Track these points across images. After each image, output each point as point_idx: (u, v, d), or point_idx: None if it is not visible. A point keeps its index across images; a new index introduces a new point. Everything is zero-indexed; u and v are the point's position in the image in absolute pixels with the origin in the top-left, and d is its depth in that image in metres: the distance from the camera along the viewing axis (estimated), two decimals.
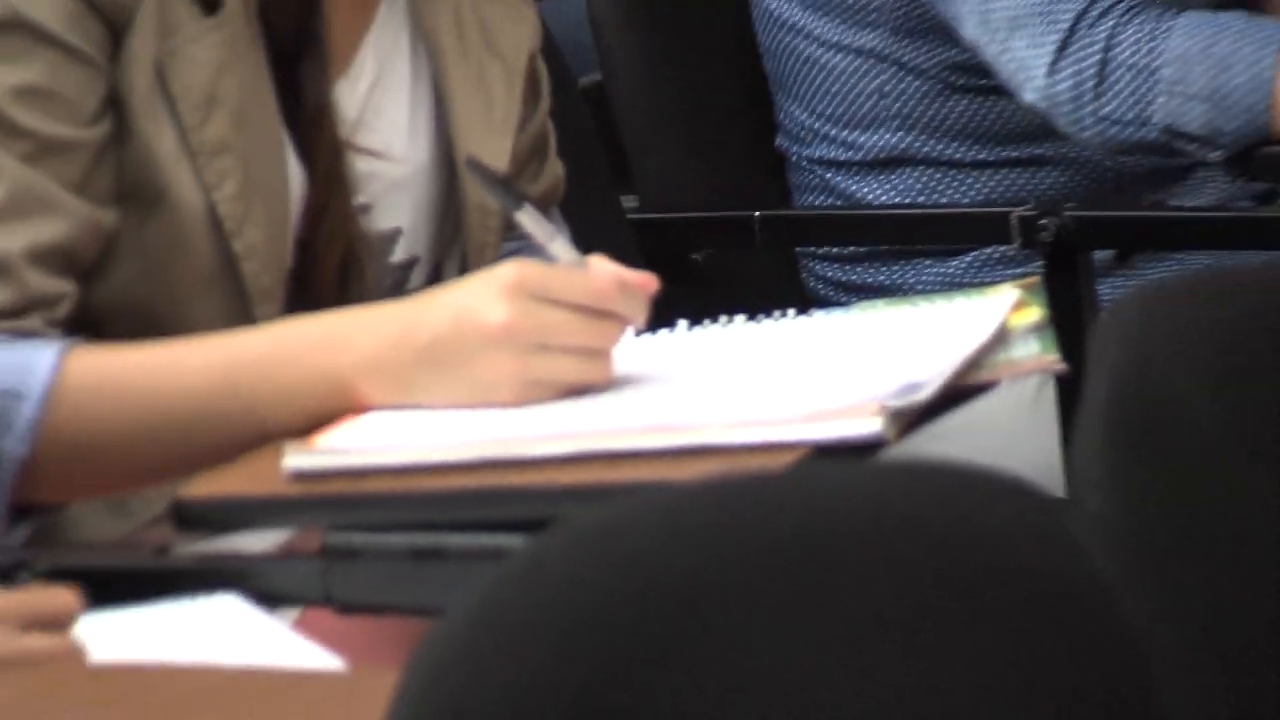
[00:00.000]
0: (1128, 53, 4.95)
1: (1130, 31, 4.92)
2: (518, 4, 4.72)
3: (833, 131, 5.42)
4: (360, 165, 4.42)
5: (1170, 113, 4.95)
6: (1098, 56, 5.00)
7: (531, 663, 2.69)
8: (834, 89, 5.36)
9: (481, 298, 4.04)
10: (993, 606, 2.92)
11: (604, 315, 4.07)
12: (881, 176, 5.32)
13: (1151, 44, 4.93)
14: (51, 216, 4.09)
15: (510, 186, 4.38)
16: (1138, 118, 4.93)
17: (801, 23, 5.36)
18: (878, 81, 5.36)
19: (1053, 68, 4.90)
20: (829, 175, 5.42)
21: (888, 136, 5.37)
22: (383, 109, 4.51)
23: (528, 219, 4.28)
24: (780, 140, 5.65)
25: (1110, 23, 4.95)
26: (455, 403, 4.04)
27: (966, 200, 5.27)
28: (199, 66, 4.17)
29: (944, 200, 5.31)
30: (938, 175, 5.27)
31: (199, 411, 4.07)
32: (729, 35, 5.60)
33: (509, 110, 4.59)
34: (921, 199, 5.35)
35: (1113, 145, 5.08)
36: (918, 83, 5.34)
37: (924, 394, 3.82)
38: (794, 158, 5.55)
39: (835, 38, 5.36)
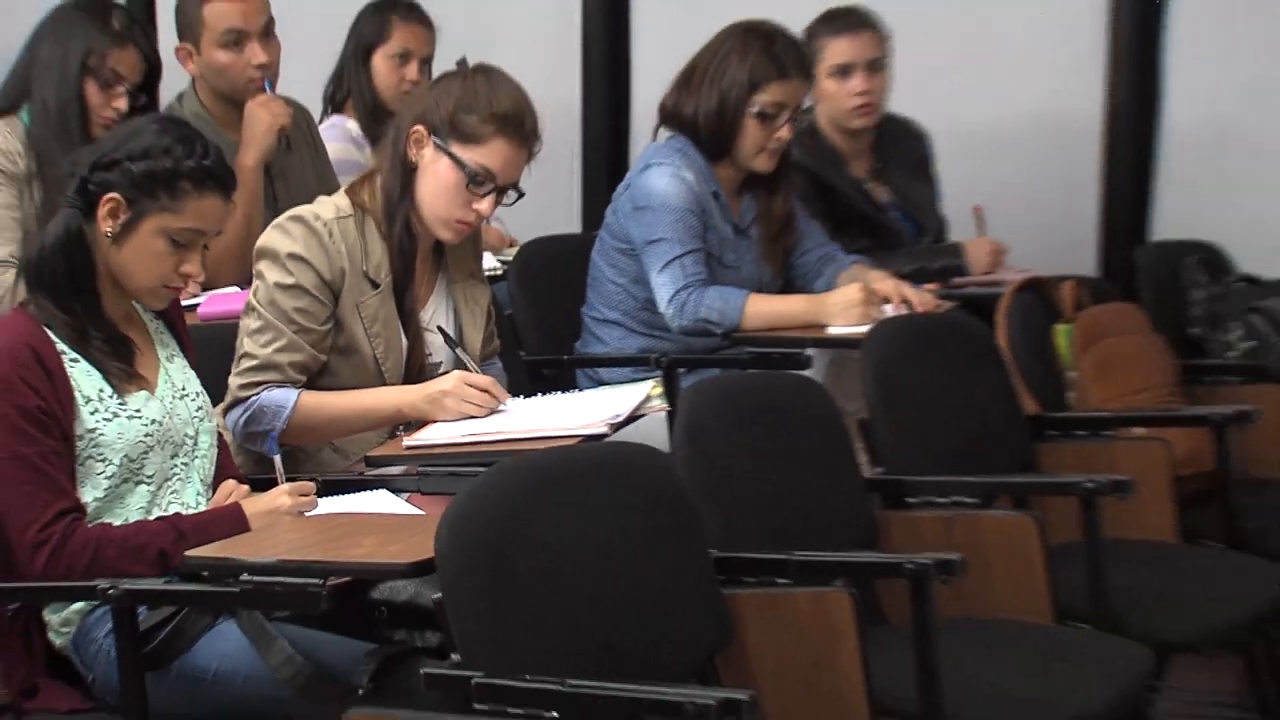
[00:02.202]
0: (692, 301, 4.93)
1: (694, 293, 4.93)
2: (482, 286, 4.53)
3: (599, 305, 5.28)
4: (428, 338, 4.34)
5: (709, 320, 4.92)
6: (681, 303, 4.94)
7: (485, 508, 3.19)
8: (605, 289, 5.24)
9: (447, 381, 4.11)
10: (646, 494, 3.50)
11: (485, 393, 4.08)
12: (607, 327, 5.23)
13: (702, 298, 4.93)
14: (302, 353, 4.11)
15: (464, 350, 4.42)
16: (695, 322, 4.94)
17: (602, 260, 5.21)
18: (619, 289, 5.21)
19: (667, 305, 4.96)
20: (592, 324, 5.31)
21: (614, 313, 5.24)
22: (435, 320, 4.38)
23: (465, 358, 4.35)
24: (584, 308, 5.36)
25: (687, 289, 4.93)
26: (439, 418, 4.10)
27: (639, 344, 5.15)
28: (370, 306, 4.17)
29: (627, 345, 5.22)
30: (623, 332, 5.21)
31: (351, 416, 4.17)
32: (557, 295, 5.38)
33: (480, 323, 4.47)
34: (617, 341, 5.23)
35: (690, 333, 4.98)
36: (631, 298, 5.20)
37: (621, 417, 4.01)
38: (585, 315, 5.33)
39: (612, 275, 5.20)
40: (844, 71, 5.41)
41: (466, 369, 4.25)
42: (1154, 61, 5.85)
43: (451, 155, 4.15)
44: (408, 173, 4.20)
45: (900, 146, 5.61)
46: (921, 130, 5.66)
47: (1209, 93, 5.83)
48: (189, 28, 5.21)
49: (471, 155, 4.15)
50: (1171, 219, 5.79)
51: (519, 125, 4.20)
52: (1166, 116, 5.83)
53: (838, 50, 5.44)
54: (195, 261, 3.66)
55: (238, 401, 4.07)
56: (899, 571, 3.63)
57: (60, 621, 3.59)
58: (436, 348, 4.30)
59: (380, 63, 5.63)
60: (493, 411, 4.10)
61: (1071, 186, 5.92)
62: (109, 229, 3.58)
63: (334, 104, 5.76)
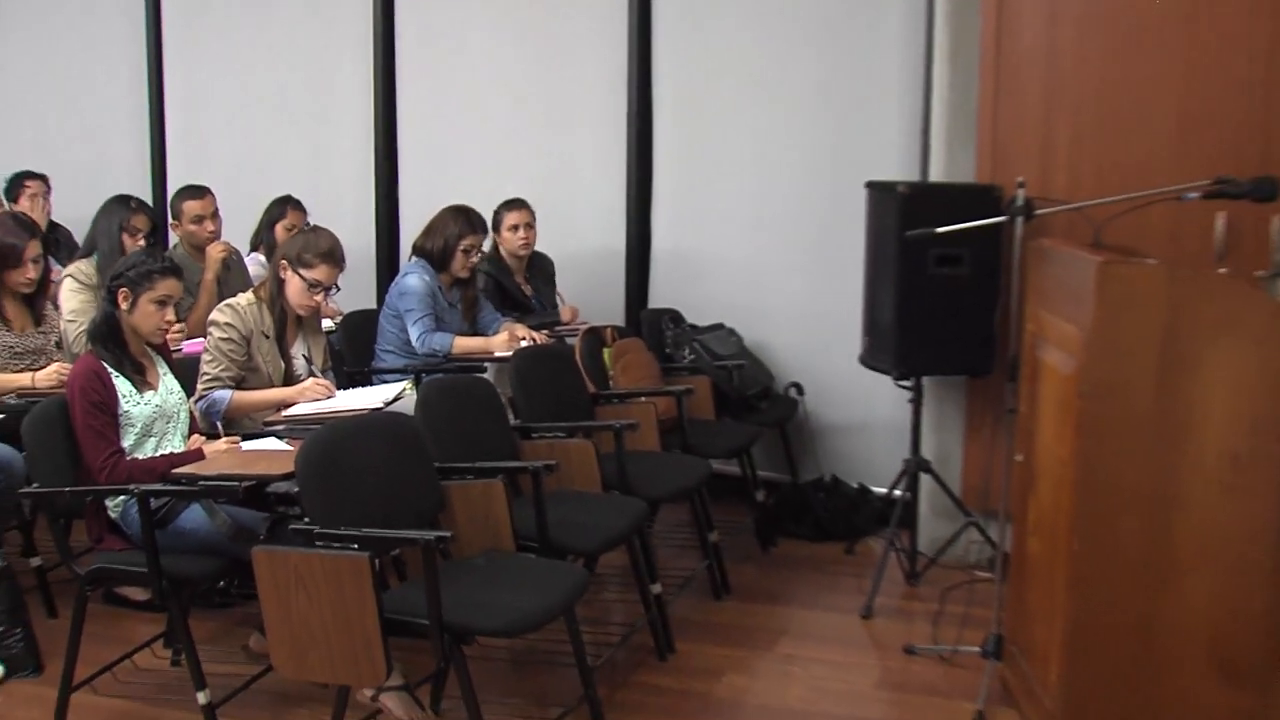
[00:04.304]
0: (428, 341, 4.73)
1: (429, 336, 4.74)
2: (322, 336, 4.27)
3: (384, 342, 4.90)
4: (295, 364, 4.08)
5: (437, 350, 4.75)
6: (423, 341, 4.80)
7: (320, 445, 3.23)
8: (386, 334, 4.88)
9: (307, 383, 4.01)
10: (401, 436, 3.50)
11: (325, 388, 3.99)
12: (387, 354, 4.87)
13: (433, 339, 4.75)
14: (232, 372, 3.93)
15: (315, 367, 4.18)
16: (430, 351, 4.74)
17: (385, 320, 4.90)
18: (393, 334, 4.84)
19: (416, 341, 4.74)
20: (380, 353, 4.88)
21: (390, 347, 4.87)
22: (298, 354, 4.10)
23: (316, 371, 4.15)
24: (376, 345, 4.94)
25: (426, 334, 4.78)
26: (301, 402, 3.93)
27: (402, 362, 4.82)
28: (264, 347, 3.99)
29: (396, 363, 4.85)
30: (395, 357, 4.85)
31: (258, 403, 3.93)
32: (363, 338, 5.08)
33: (321, 355, 4.19)
34: (392, 361, 4.87)
35: (428, 356, 4.75)
36: (399, 339, 4.85)
37: (390, 400, 3.88)
38: (376, 348, 4.91)
39: (389, 327, 4.86)
40: (514, 229, 5.31)
41: (318, 377, 4.14)
42: (648, 209, 5.80)
43: (299, 274, 4.13)
44: (280, 283, 4.16)
45: (539, 267, 5.51)
46: (548, 257, 5.57)
47: (676, 225, 5.78)
48: (176, 214, 5.23)
49: (309, 274, 4.12)
50: (658, 296, 5.77)
51: (333, 256, 4.14)
52: (655, 240, 5.80)
53: (511, 219, 5.33)
54: (171, 313, 3.69)
55: (201, 396, 3.96)
56: (527, 470, 3.67)
57: (114, 505, 3.62)
58: (300, 368, 4.16)
59: (279, 229, 5.52)
60: (327, 398, 4.00)
61: (612, 279, 5.84)
62: (125, 306, 3.68)
63: (254, 247, 5.63)
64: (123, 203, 4.91)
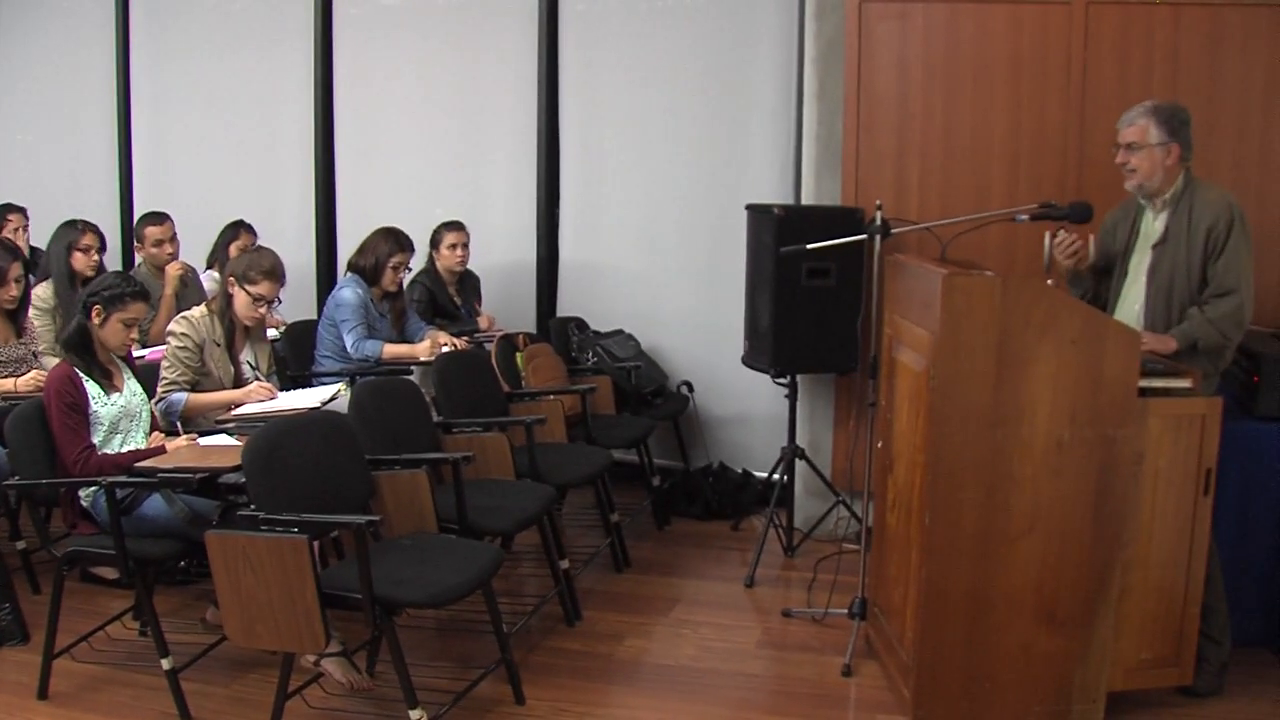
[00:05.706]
0: (360, 347, 4.65)
1: (362, 343, 4.62)
2: (267, 344, 4.18)
3: (322, 348, 4.74)
4: (243, 368, 3.98)
5: (369, 356, 4.65)
6: (357, 348, 4.66)
7: (264, 440, 3.17)
8: (325, 341, 4.73)
9: (253, 385, 3.92)
10: (337, 435, 3.40)
11: (269, 390, 3.88)
12: (325, 359, 4.73)
13: (365, 346, 4.66)
14: (188, 376, 3.82)
15: (259, 371, 4.07)
16: (363, 357, 4.64)
17: (323, 329, 4.77)
18: (331, 341, 4.71)
19: (350, 349, 4.61)
20: (319, 358, 4.76)
21: (329, 352, 4.72)
22: (246, 359, 4.00)
23: (260, 376, 4.06)
24: (315, 350, 4.79)
25: (359, 341, 4.67)
26: (249, 402, 3.83)
27: (338, 366, 4.67)
28: (216, 354, 3.88)
29: (334, 367, 4.69)
30: (333, 362, 4.70)
31: (211, 404, 3.81)
32: (305, 344, 4.91)
33: (266, 360, 4.07)
34: (330, 365, 4.72)
35: (362, 362, 4.63)
36: (336, 345, 4.71)
37: (326, 400, 3.83)
38: (316, 354, 4.75)
39: (327, 335, 4.74)
40: (452, 247, 5.23)
41: (262, 380, 4.06)
42: (556, 229, 5.71)
43: (244, 289, 4.06)
44: (229, 296, 4.10)
45: (468, 283, 5.45)
46: (476, 275, 5.50)
47: (581, 243, 5.70)
48: (139, 238, 5.16)
49: (253, 289, 4.05)
50: (565, 306, 5.72)
51: (275, 273, 4.05)
52: (562, 256, 5.72)
53: (450, 239, 5.25)
54: (135, 331, 3.66)
55: (161, 398, 3.89)
56: (448, 461, 3.65)
57: (85, 495, 3.56)
58: (247, 372, 4.09)
59: (232, 249, 5.39)
60: (271, 399, 3.94)
61: (523, 291, 5.76)
62: (97, 321, 3.61)
63: (209, 265, 5.52)
64: (70, 226, 4.78)
